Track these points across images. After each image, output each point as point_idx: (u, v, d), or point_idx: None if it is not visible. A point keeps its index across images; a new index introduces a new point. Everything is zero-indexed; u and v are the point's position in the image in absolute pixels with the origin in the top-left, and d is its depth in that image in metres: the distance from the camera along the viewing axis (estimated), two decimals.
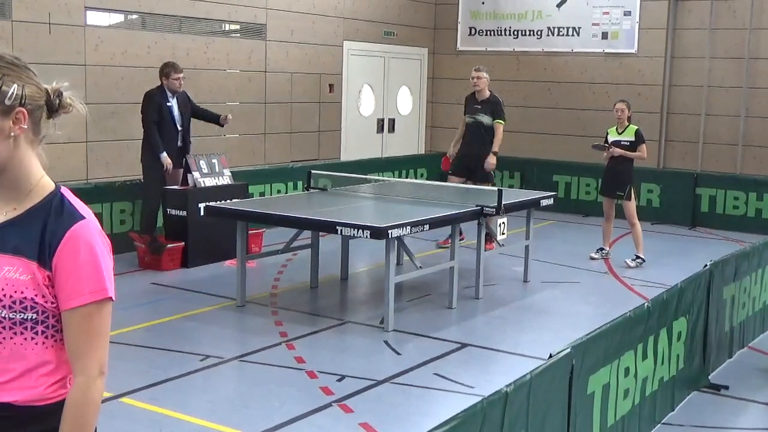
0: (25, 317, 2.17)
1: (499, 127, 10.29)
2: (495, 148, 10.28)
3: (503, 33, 15.14)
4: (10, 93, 2.13)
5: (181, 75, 9.47)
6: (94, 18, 10.23)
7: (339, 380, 6.01)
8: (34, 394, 2.21)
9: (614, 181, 10.01)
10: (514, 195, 9.32)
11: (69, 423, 2.17)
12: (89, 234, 2.19)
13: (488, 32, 15.28)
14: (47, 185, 2.25)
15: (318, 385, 5.91)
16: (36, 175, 2.24)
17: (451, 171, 10.58)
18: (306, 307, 8.05)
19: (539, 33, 14.79)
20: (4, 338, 2.19)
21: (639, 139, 9.91)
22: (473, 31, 15.41)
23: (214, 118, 9.94)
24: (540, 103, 14.90)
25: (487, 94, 10.35)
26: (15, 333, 2.19)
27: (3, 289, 2.17)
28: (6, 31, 9.28)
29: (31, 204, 2.22)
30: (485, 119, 10.29)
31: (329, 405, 5.55)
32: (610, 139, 10.04)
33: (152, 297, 8.18)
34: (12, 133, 2.16)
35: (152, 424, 5.24)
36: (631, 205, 9.94)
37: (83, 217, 2.20)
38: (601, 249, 10.33)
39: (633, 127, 9.97)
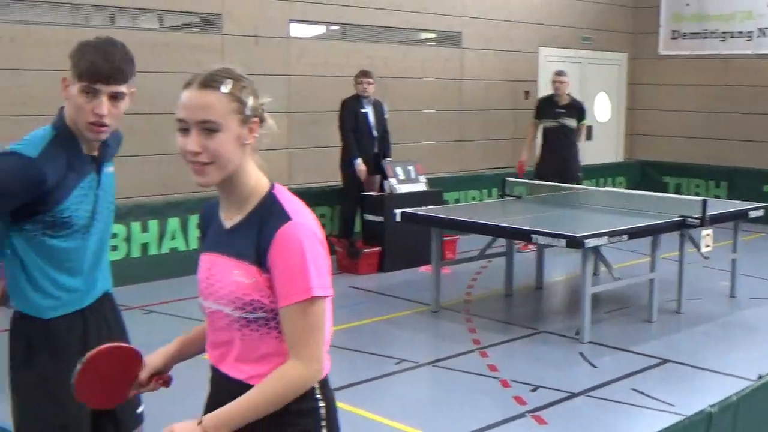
0: (257, 317, 2.28)
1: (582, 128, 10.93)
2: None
3: (709, 36, 14.46)
4: (249, 104, 2.27)
5: (366, 80, 9.69)
6: (298, 30, 10.64)
7: (533, 390, 5.93)
8: None
9: None
10: (720, 206, 8.86)
11: (258, 386, 2.24)
12: (296, 235, 2.24)
13: (693, 35, 14.65)
14: (262, 188, 2.34)
15: (511, 394, 5.86)
16: (253, 179, 2.34)
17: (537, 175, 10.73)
18: (500, 315, 8.00)
19: (749, 34, 14.01)
20: (243, 335, 2.31)
21: None
22: (676, 35, 14.81)
23: (385, 150, 9.95)
24: (749, 108, 14.08)
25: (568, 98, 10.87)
26: (251, 330, 2.30)
27: (234, 292, 2.29)
28: (217, 44, 9.83)
29: (251, 208, 2.33)
30: (568, 122, 10.76)
31: (522, 415, 5.49)
32: None
33: (350, 300, 8.38)
34: (246, 141, 2.28)
35: (343, 424, 5.36)
36: None
37: (290, 218, 2.25)
38: None
39: None
